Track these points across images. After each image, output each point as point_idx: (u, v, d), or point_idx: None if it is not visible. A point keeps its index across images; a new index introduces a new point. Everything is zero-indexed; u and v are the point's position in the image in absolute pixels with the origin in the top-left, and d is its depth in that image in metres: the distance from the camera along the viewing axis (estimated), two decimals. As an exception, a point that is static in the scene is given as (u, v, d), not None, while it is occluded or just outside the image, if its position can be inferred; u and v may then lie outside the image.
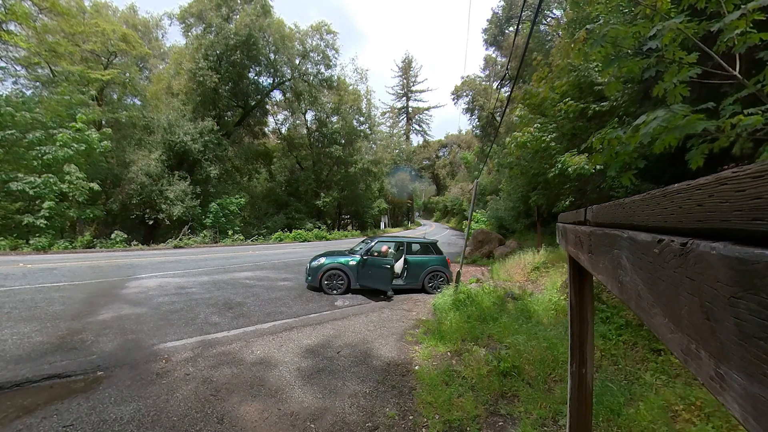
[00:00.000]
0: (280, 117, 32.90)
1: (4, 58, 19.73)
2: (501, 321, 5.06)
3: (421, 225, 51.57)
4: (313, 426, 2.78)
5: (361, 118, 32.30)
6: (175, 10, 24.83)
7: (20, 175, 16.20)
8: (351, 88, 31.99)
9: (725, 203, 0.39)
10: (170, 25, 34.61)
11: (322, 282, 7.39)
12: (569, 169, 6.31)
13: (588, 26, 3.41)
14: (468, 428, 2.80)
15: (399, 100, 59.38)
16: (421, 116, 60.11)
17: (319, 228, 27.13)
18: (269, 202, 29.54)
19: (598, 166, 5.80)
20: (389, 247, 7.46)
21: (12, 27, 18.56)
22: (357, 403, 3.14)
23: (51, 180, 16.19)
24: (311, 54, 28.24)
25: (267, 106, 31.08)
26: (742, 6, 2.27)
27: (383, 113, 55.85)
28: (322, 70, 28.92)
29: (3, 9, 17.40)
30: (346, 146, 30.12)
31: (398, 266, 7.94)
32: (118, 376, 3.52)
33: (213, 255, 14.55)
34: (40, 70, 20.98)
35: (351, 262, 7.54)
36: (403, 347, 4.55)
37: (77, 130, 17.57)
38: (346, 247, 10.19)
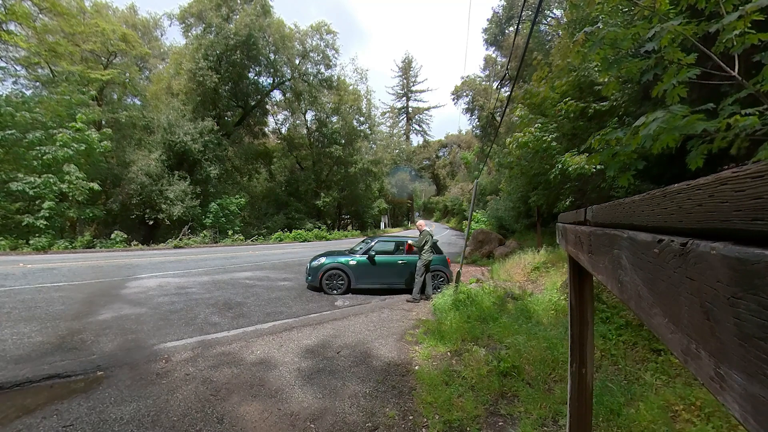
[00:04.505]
0: (280, 117, 32.98)
1: (4, 58, 19.74)
2: (501, 321, 5.06)
3: (421, 225, 51.44)
4: (313, 426, 2.78)
5: (361, 118, 32.31)
6: (175, 10, 24.83)
7: (20, 175, 16.21)
8: (351, 88, 32.00)
9: (725, 203, 0.39)
10: (170, 26, 34.65)
11: (322, 282, 7.39)
12: (570, 169, 6.32)
13: (587, 29, 3.41)
14: (468, 428, 2.80)
15: (399, 100, 59.44)
16: (421, 116, 60.15)
17: (319, 228, 27.13)
18: (269, 202, 29.55)
19: (598, 166, 5.81)
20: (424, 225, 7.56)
21: (12, 27, 18.57)
22: (357, 403, 3.14)
23: (51, 180, 16.19)
24: (311, 54, 28.25)
25: (267, 106, 31.09)
26: (740, 8, 2.27)
27: (383, 113, 55.87)
28: (322, 70, 28.95)
29: (3, 9, 17.40)
30: (346, 146, 30.11)
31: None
32: (118, 376, 3.52)
33: (213, 255, 14.55)
34: (40, 70, 21.00)
35: (351, 262, 7.54)
36: (403, 347, 4.55)
37: (77, 130, 17.58)
38: (346, 247, 10.19)
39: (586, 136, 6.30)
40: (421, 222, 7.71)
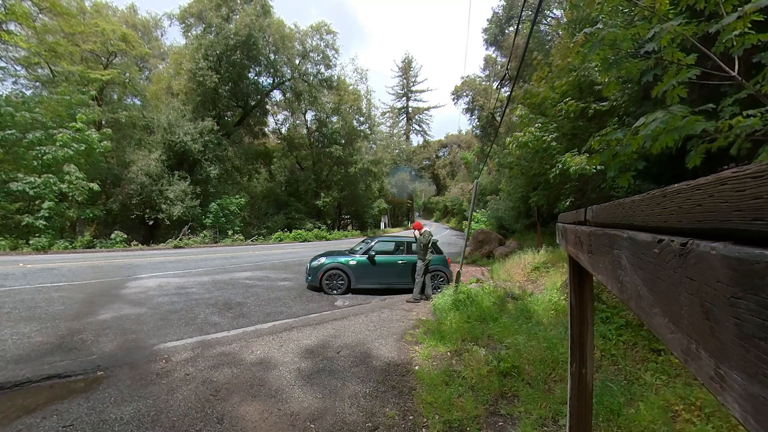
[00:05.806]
0: (280, 117, 32.98)
1: (4, 58, 19.73)
2: (501, 321, 5.06)
3: (421, 225, 51.39)
4: (313, 426, 2.78)
5: (361, 118, 32.31)
6: (175, 10, 24.84)
7: (20, 175, 16.20)
8: (351, 88, 32.00)
9: (725, 203, 0.39)
10: (170, 26, 34.66)
11: (322, 282, 7.39)
12: (570, 170, 6.32)
13: (587, 29, 3.41)
14: (468, 428, 2.80)
15: (399, 100, 59.38)
16: (421, 116, 60.09)
17: (319, 228, 27.13)
18: (269, 202, 29.54)
19: (598, 167, 5.82)
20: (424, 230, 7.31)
21: (12, 27, 18.56)
22: (357, 403, 3.14)
23: (51, 180, 16.18)
24: (311, 54, 28.25)
25: (267, 106, 31.09)
26: (740, 8, 2.27)
27: (383, 113, 55.82)
28: (322, 70, 28.96)
29: (3, 9, 17.40)
30: (346, 146, 30.11)
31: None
32: (118, 376, 3.51)
33: (213, 255, 14.55)
34: (40, 70, 20.99)
35: (351, 262, 7.54)
36: (403, 347, 4.55)
37: (77, 130, 17.57)
38: (346, 247, 10.19)
39: (587, 136, 6.30)
40: (418, 223, 7.48)
